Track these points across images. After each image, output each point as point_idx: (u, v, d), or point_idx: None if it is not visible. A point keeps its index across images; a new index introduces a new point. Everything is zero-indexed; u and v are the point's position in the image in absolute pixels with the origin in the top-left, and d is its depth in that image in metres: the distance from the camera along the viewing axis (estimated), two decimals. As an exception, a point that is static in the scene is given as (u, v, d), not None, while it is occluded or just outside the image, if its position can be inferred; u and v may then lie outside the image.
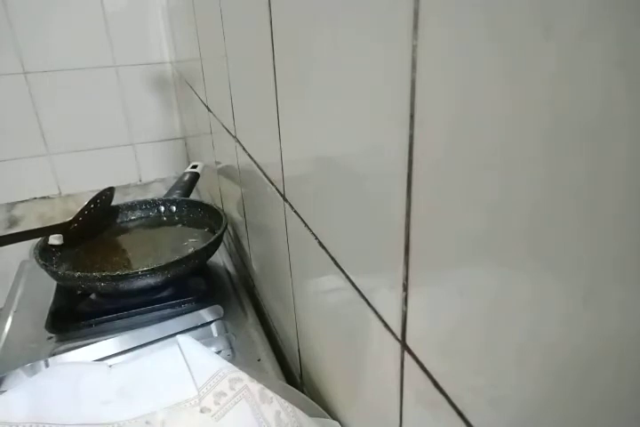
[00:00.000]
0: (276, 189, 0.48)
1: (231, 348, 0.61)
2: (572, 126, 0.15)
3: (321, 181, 0.36)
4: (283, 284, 0.55)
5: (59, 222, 0.78)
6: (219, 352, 0.60)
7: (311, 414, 0.44)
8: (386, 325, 0.29)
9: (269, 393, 0.44)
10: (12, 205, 1.19)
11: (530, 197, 0.17)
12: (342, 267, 0.35)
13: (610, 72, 0.13)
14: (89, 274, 0.63)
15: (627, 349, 0.14)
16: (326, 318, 0.42)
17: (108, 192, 0.82)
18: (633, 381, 0.14)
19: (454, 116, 0.20)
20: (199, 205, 0.86)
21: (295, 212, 0.44)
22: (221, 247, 0.80)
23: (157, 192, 1.29)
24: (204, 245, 0.69)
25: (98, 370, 0.49)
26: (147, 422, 0.44)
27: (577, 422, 0.17)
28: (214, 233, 0.73)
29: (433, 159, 0.22)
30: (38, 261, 0.66)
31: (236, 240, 0.86)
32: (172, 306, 0.69)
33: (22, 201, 1.20)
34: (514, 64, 0.16)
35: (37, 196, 1.20)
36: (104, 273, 0.63)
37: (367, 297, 0.32)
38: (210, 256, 0.75)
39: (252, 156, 0.57)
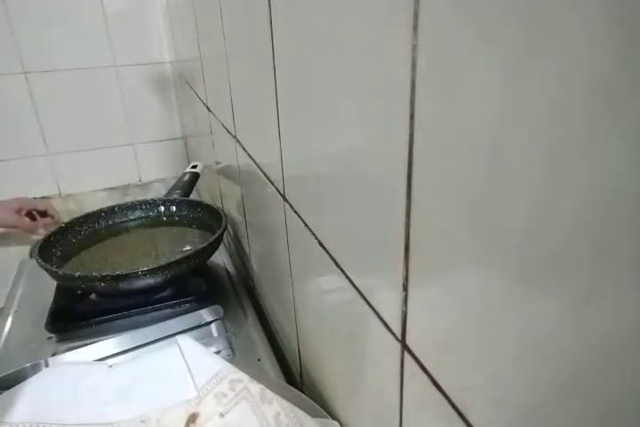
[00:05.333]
0: (276, 189, 0.48)
1: (231, 348, 0.61)
2: (573, 127, 0.15)
3: (321, 181, 0.36)
4: (283, 284, 0.55)
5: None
6: (219, 352, 0.60)
7: (311, 415, 0.44)
8: (386, 325, 0.29)
9: (270, 394, 0.44)
10: (12, 205, 1.19)
11: (530, 197, 0.17)
12: (342, 267, 0.35)
13: (611, 73, 0.13)
14: (89, 274, 0.63)
15: (626, 348, 0.14)
16: (326, 318, 0.42)
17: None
18: (632, 379, 0.14)
19: (454, 116, 0.20)
20: (199, 205, 0.86)
21: (295, 212, 0.44)
22: (221, 247, 0.80)
23: (157, 192, 1.29)
24: (204, 245, 0.69)
25: (98, 370, 0.49)
26: (142, 422, 0.44)
27: (576, 422, 0.17)
28: (214, 233, 0.73)
29: (433, 159, 0.22)
30: (38, 262, 0.66)
31: (236, 240, 0.86)
32: (171, 306, 0.69)
33: (22, 201, 1.20)
34: (513, 64, 0.16)
35: (37, 196, 1.20)
36: (104, 273, 0.63)
37: (367, 297, 0.32)
38: (210, 256, 0.75)
39: (252, 156, 0.57)
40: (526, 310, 0.18)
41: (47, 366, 0.55)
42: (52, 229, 0.77)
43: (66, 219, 0.81)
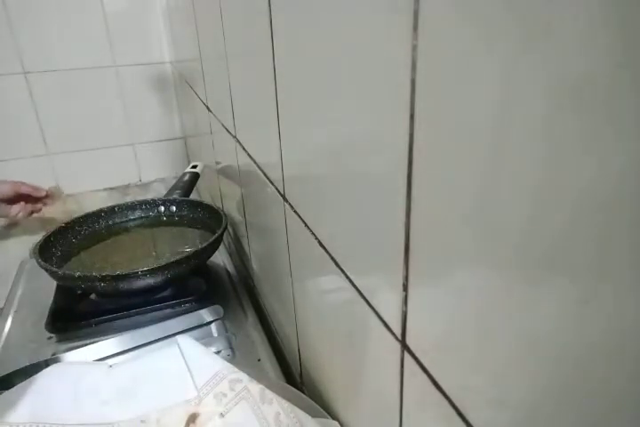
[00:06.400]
0: (276, 189, 0.48)
1: (231, 348, 0.61)
2: (572, 127, 0.15)
3: (321, 181, 0.36)
4: (283, 284, 0.55)
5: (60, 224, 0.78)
6: (219, 352, 0.60)
7: (311, 415, 0.44)
8: (386, 325, 0.29)
9: (269, 394, 0.44)
10: (12, 205, 1.19)
11: (529, 197, 0.17)
12: (342, 267, 0.35)
13: (612, 73, 0.13)
14: (89, 274, 0.63)
15: (626, 348, 0.14)
16: (326, 318, 0.42)
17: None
18: (632, 379, 0.14)
19: (454, 115, 0.20)
20: (199, 205, 0.86)
21: (295, 212, 0.44)
22: (221, 247, 0.80)
23: (157, 192, 1.29)
24: (204, 245, 0.69)
25: (98, 370, 0.49)
26: (142, 422, 0.44)
27: (576, 422, 0.17)
28: (214, 233, 0.73)
29: (433, 159, 0.22)
30: (38, 262, 0.66)
31: (236, 240, 0.86)
32: (171, 306, 0.69)
33: (22, 201, 1.20)
34: (513, 63, 0.16)
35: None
36: (104, 273, 0.63)
37: (367, 297, 0.32)
38: (210, 256, 0.75)
39: (252, 156, 0.57)
40: (526, 309, 0.18)
41: (47, 366, 0.55)
42: (52, 228, 0.77)
43: (66, 219, 0.81)
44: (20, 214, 0.97)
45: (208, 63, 0.73)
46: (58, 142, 1.19)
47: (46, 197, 1.01)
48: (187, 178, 0.93)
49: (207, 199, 1.08)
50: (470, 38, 0.18)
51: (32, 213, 1.00)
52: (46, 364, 0.56)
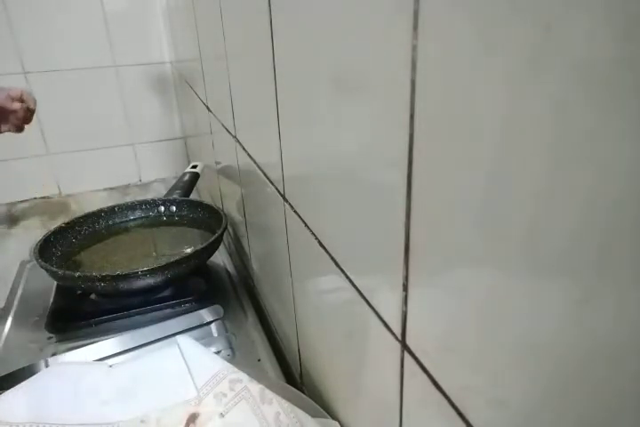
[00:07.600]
0: (276, 189, 0.48)
1: (231, 348, 0.61)
2: (576, 128, 0.15)
3: (321, 181, 0.36)
4: (283, 284, 0.55)
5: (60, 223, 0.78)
6: (219, 352, 0.60)
7: (311, 415, 0.44)
8: (386, 325, 0.29)
9: (269, 394, 0.44)
10: (12, 205, 1.19)
11: (531, 197, 0.17)
12: (342, 267, 0.35)
13: (616, 73, 0.13)
14: (89, 274, 0.63)
15: (626, 348, 0.14)
16: (326, 318, 0.42)
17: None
18: (632, 380, 0.14)
19: (454, 115, 0.20)
20: (199, 205, 0.86)
21: (295, 212, 0.44)
22: (221, 247, 0.80)
23: (157, 192, 1.29)
24: (204, 245, 0.69)
25: (98, 370, 0.49)
26: (142, 422, 0.44)
27: (575, 422, 0.17)
28: (214, 233, 0.73)
29: (433, 159, 0.22)
30: (38, 261, 0.66)
31: (236, 240, 0.86)
32: (171, 306, 0.69)
33: (22, 201, 1.20)
34: (514, 63, 0.16)
35: (37, 196, 1.20)
36: (104, 273, 0.63)
37: (367, 297, 0.32)
38: (210, 256, 0.75)
39: (252, 156, 0.57)
40: (526, 309, 0.18)
41: (47, 366, 0.55)
42: (52, 228, 0.77)
43: (66, 219, 0.81)
44: (14, 129, 0.83)
45: (208, 63, 0.73)
46: (58, 142, 1.19)
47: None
48: (187, 178, 0.94)
49: (207, 199, 1.08)
50: (470, 38, 0.18)
51: (21, 127, 0.84)
52: (46, 364, 0.56)
